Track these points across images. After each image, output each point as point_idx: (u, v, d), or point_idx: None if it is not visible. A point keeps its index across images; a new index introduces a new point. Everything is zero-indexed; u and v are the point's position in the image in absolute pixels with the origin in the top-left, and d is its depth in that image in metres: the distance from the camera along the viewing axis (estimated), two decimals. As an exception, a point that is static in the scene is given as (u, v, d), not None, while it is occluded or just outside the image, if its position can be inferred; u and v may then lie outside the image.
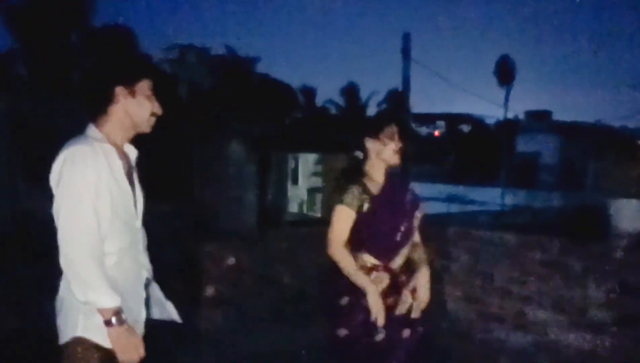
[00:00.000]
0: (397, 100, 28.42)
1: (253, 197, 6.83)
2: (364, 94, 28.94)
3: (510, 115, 27.32)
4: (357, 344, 2.24)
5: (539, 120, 26.62)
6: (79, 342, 1.63)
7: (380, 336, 2.23)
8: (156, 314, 1.91)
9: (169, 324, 1.95)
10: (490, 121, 31.66)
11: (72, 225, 1.58)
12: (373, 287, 2.19)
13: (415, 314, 2.29)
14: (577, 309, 3.45)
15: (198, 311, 4.03)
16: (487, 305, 3.92)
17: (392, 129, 2.31)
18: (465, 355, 3.90)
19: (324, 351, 2.41)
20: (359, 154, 2.36)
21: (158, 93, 1.79)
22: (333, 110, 28.32)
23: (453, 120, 33.83)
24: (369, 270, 2.26)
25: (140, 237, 1.81)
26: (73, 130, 1.74)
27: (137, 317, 1.77)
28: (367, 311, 2.22)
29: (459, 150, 29.98)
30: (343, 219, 2.25)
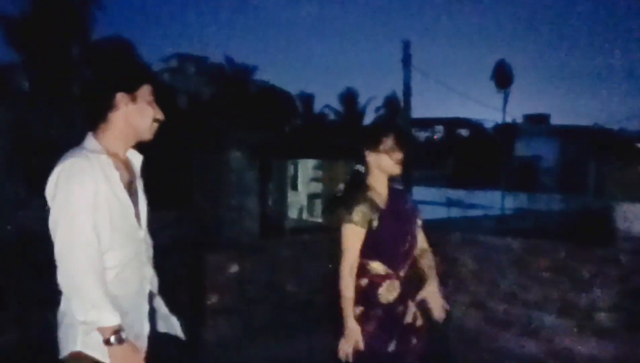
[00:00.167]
0: (394, 107, 28.50)
1: (254, 204, 6.82)
2: (362, 100, 29.03)
3: (508, 119, 27.38)
4: (370, 355, 2.23)
5: (537, 123, 26.68)
6: (78, 357, 1.60)
7: (392, 346, 2.23)
8: (161, 327, 1.87)
9: (172, 335, 1.92)
10: (488, 125, 31.71)
11: (70, 241, 1.54)
12: (355, 325, 2.20)
13: (439, 314, 2.32)
14: (585, 314, 3.42)
15: (201, 320, 4.00)
16: (493, 311, 3.89)
17: (391, 140, 2.30)
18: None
19: (331, 361, 2.38)
20: (361, 167, 2.34)
21: (159, 99, 1.75)
22: (332, 117, 28.38)
23: (451, 124, 33.89)
24: (382, 279, 2.26)
25: (143, 249, 1.76)
26: (74, 140, 1.71)
27: (140, 331, 1.72)
28: (379, 321, 2.22)
29: (458, 154, 30.01)
30: (355, 238, 2.24)
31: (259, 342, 4.07)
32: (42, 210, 1.62)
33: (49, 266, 1.67)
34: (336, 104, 29.01)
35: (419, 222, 2.39)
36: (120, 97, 1.66)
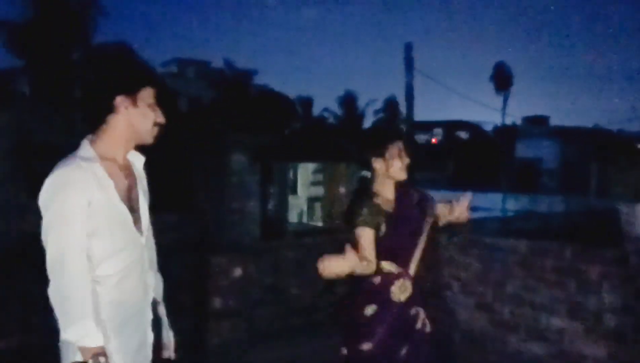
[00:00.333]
0: (394, 110, 28.53)
1: (255, 207, 6.79)
2: (362, 103, 29.06)
3: (508, 121, 27.44)
4: (382, 359, 2.21)
5: (536, 125, 26.74)
6: None
7: (404, 350, 2.21)
8: (165, 337, 1.81)
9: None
10: (488, 127, 31.76)
11: (58, 256, 1.49)
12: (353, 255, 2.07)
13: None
14: (592, 316, 3.39)
15: (204, 323, 3.97)
16: (499, 313, 3.86)
17: (397, 147, 2.31)
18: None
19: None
20: (367, 173, 2.35)
21: (160, 101, 1.69)
22: (331, 120, 28.41)
23: (451, 127, 33.94)
24: (394, 277, 2.26)
25: (145, 255, 1.69)
26: (75, 145, 1.66)
27: (143, 339, 1.66)
28: (392, 325, 2.21)
29: (457, 156, 30.03)
30: (369, 238, 2.23)
31: (262, 344, 4.04)
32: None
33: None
34: (335, 108, 29.07)
35: (432, 214, 2.38)
36: (121, 100, 1.61)
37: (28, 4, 15.82)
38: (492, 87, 29.00)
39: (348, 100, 29.20)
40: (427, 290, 2.38)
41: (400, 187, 2.36)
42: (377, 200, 2.28)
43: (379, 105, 30.18)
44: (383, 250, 2.26)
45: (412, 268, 2.31)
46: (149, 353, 1.69)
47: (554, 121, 29.03)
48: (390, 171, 2.29)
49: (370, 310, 2.23)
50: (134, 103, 1.62)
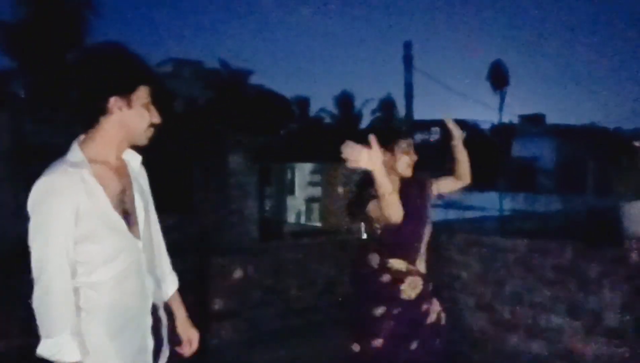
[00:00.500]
0: (392, 109, 28.53)
1: (254, 208, 6.79)
2: (358, 103, 29.04)
3: (505, 120, 27.49)
4: (393, 354, 2.23)
5: (533, 124, 26.81)
6: None
7: (414, 344, 2.23)
8: (164, 345, 1.75)
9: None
10: (485, 126, 31.80)
11: (41, 266, 1.45)
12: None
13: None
14: (593, 314, 3.40)
15: (206, 324, 3.96)
16: (499, 313, 3.86)
17: (407, 143, 2.34)
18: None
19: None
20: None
21: (157, 100, 1.62)
22: (327, 120, 28.39)
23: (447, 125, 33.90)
24: (404, 275, 2.27)
25: (142, 259, 1.62)
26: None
27: (142, 346, 1.62)
28: (400, 320, 2.22)
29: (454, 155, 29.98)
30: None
31: (263, 345, 4.04)
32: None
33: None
34: (332, 107, 29.04)
35: (432, 192, 2.44)
36: (114, 102, 1.53)
37: (22, 4, 15.78)
38: (489, 86, 29.08)
39: (344, 100, 29.16)
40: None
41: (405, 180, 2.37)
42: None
43: (375, 104, 30.19)
44: (390, 246, 2.27)
45: (422, 265, 2.33)
46: (148, 359, 1.65)
47: (550, 119, 29.11)
48: (397, 166, 2.32)
49: (379, 311, 2.24)
50: (129, 104, 1.55)
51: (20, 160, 5.01)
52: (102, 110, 1.53)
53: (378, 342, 2.23)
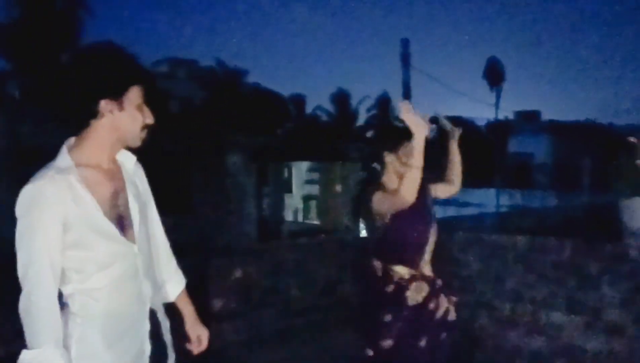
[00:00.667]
0: (387, 107, 28.53)
1: (252, 208, 6.77)
2: (355, 101, 29.02)
3: (500, 116, 27.50)
4: (402, 352, 2.25)
5: (529, 120, 26.85)
6: None
7: (423, 341, 2.25)
8: (169, 352, 1.74)
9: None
10: (481, 123, 31.83)
11: (25, 277, 1.44)
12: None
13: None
14: (593, 311, 3.41)
15: (206, 325, 3.95)
16: (499, 310, 3.87)
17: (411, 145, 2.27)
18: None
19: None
20: (377, 166, 2.36)
21: (150, 100, 1.56)
22: (324, 118, 28.37)
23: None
24: (408, 282, 2.27)
25: (140, 264, 1.58)
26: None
27: (140, 352, 1.59)
28: (410, 321, 2.23)
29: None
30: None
31: (263, 346, 4.03)
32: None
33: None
34: (328, 105, 29.00)
35: (432, 192, 2.42)
36: (105, 104, 1.47)
37: (14, 4, 15.70)
38: (484, 82, 29.07)
39: (341, 98, 29.13)
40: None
41: None
42: (386, 191, 2.29)
43: (371, 102, 30.16)
44: (392, 251, 2.26)
45: (426, 267, 2.33)
46: None
47: (545, 115, 29.15)
48: (401, 168, 2.29)
49: (388, 317, 2.26)
50: (120, 106, 1.50)
51: (15, 161, 4.97)
52: (92, 114, 1.48)
53: (388, 343, 2.26)
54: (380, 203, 2.21)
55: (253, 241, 6.18)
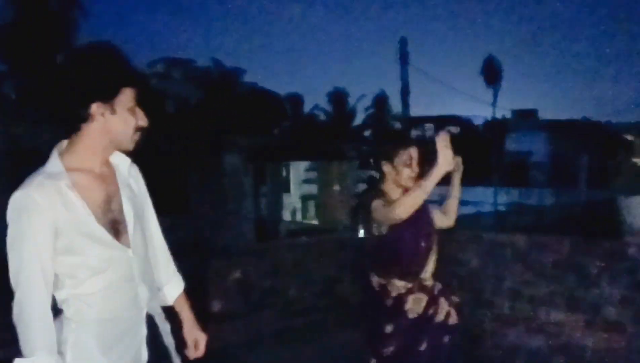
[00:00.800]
0: (384, 106, 28.52)
1: (250, 208, 6.77)
2: (352, 100, 28.99)
3: (498, 115, 27.55)
4: (404, 357, 2.25)
5: (526, 118, 26.91)
6: None
7: (424, 345, 2.25)
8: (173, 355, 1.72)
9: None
10: (478, 121, 31.87)
11: (16, 284, 1.42)
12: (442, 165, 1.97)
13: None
14: (592, 308, 3.40)
15: (204, 326, 3.93)
16: (498, 308, 3.86)
17: (408, 154, 2.25)
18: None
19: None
20: (375, 174, 2.33)
21: (143, 102, 1.54)
22: (322, 117, 28.35)
23: (441, 122, 34.01)
24: (406, 295, 2.26)
25: (135, 268, 1.55)
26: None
27: (136, 357, 1.58)
28: (410, 329, 2.24)
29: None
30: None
31: (262, 347, 4.02)
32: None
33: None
34: (325, 104, 28.97)
35: (433, 213, 2.39)
36: (96, 108, 1.44)
37: (9, 5, 15.65)
38: (482, 81, 29.11)
39: (338, 97, 29.10)
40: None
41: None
42: (385, 200, 2.26)
43: (369, 101, 30.15)
44: (391, 261, 2.25)
45: (428, 278, 2.31)
46: None
47: (543, 114, 29.23)
48: (399, 178, 2.26)
49: (389, 328, 2.27)
50: (112, 109, 1.47)
51: (11, 163, 4.95)
52: (83, 118, 1.46)
53: (389, 349, 2.27)
54: (377, 212, 2.18)
55: (251, 241, 6.17)
